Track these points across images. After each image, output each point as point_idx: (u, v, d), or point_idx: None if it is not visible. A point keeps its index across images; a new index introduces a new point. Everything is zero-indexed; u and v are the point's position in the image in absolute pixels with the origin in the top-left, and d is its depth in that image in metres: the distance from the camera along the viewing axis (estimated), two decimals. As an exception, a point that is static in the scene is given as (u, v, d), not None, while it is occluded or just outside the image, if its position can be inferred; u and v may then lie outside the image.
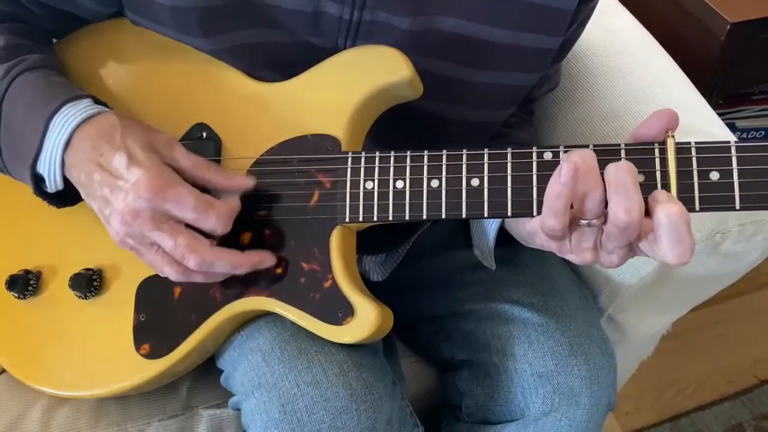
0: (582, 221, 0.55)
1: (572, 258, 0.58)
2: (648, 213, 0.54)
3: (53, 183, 0.65)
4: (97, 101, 0.66)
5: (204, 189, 0.64)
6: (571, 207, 0.55)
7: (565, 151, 0.59)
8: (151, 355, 0.69)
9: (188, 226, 0.61)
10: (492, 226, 0.73)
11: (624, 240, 0.54)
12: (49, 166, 0.64)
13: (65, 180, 0.65)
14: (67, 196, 0.66)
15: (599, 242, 0.56)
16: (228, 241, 0.64)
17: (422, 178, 0.62)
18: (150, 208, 0.60)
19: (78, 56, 0.75)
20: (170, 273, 0.63)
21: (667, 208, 0.52)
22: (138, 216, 0.60)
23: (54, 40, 0.77)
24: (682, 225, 0.51)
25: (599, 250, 0.56)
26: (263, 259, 0.65)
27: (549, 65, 0.76)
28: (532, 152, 0.60)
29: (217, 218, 0.61)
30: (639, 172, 0.56)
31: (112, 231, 0.63)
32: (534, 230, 0.60)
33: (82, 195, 0.64)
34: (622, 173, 0.53)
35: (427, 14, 0.67)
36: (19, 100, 0.65)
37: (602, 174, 0.54)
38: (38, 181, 0.65)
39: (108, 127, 0.63)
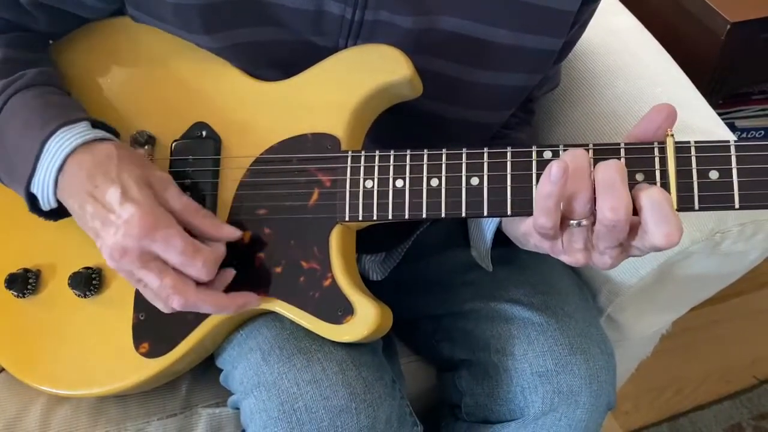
0: (571, 221, 0.55)
1: (565, 259, 0.58)
2: (636, 211, 0.54)
3: (46, 203, 0.65)
4: (95, 124, 0.66)
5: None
6: None
7: (565, 150, 0.59)
8: (151, 353, 0.69)
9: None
10: (489, 227, 0.73)
11: (613, 239, 0.54)
12: (42, 189, 0.64)
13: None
14: (63, 212, 0.66)
15: (590, 243, 0.56)
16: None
17: (422, 177, 0.62)
18: (138, 247, 0.60)
19: (77, 55, 0.75)
20: (159, 306, 0.63)
21: (648, 192, 0.52)
22: (126, 254, 0.60)
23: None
24: (665, 204, 0.52)
25: (591, 251, 0.57)
26: (248, 300, 0.65)
27: (550, 66, 0.76)
28: (531, 151, 0.60)
29: (203, 264, 0.61)
30: (638, 172, 0.56)
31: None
32: (528, 231, 0.60)
33: (76, 220, 0.65)
34: (609, 172, 0.53)
35: (428, 14, 0.67)
36: (15, 119, 0.65)
37: None
38: (33, 198, 0.66)
39: (104, 157, 0.62)
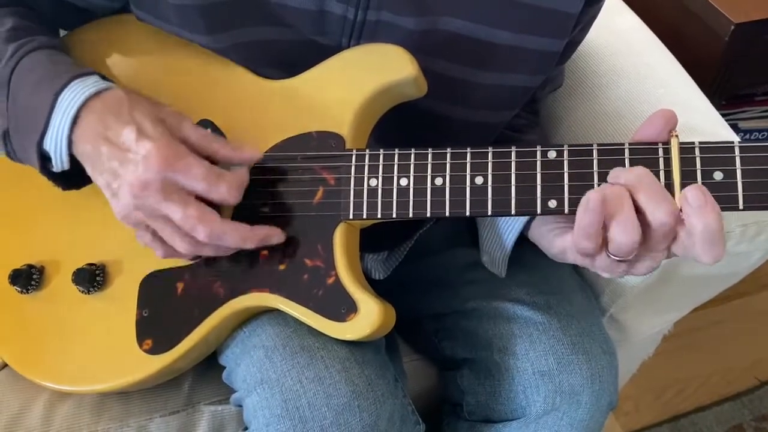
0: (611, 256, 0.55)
1: (606, 275, 0.58)
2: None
3: (59, 161, 0.64)
4: (104, 78, 0.66)
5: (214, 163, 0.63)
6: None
7: (569, 150, 0.59)
8: (154, 350, 0.69)
9: (199, 199, 0.61)
10: (510, 235, 0.73)
11: (666, 242, 0.54)
12: (56, 143, 0.63)
13: (72, 159, 0.64)
14: (73, 177, 0.66)
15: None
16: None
17: (426, 176, 0.62)
18: (160, 179, 0.59)
19: (83, 51, 0.75)
20: (179, 246, 0.62)
21: (704, 216, 0.52)
22: (148, 187, 0.60)
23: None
24: (718, 231, 0.52)
25: (634, 263, 0.56)
26: (271, 233, 0.65)
27: (553, 67, 0.76)
28: (536, 151, 0.60)
29: (228, 188, 0.61)
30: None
31: (119, 206, 0.62)
32: (566, 247, 0.60)
33: (88, 170, 0.64)
34: (647, 178, 0.54)
35: (431, 15, 0.67)
36: (28, 77, 0.65)
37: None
38: (44, 161, 0.65)
39: (115, 102, 0.62)
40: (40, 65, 0.65)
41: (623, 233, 0.53)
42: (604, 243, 0.55)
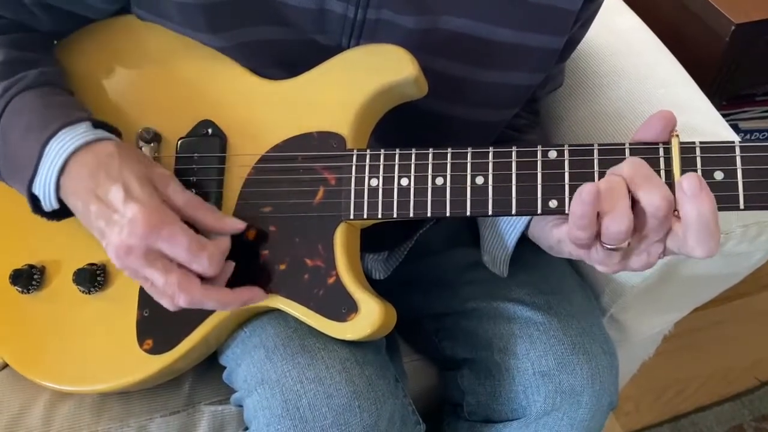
0: (606, 246, 0.55)
1: (601, 268, 0.58)
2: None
3: (48, 204, 0.65)
4: (96, 124, 0.66)
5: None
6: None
7: (570, 150, 0.59)
8: (154, 350, 0.69)
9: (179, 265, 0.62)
10: (511, 234, 0.73)
11: (661, 232, 0.54)
12: (44, 190, 0.64)
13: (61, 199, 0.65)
14: (64, 212, 0.66)
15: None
16: (233, 237, 0.65)
17: (427, 176, 0.62)
18: (144, 246, 0.60)
19: (83, 53, 0.75)
20: (162, 303, 0.63)
21: (698, 203, 0.52)
22: (131, 252, 0.60)
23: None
24: (712, 222, 0.52)
25: (628, 258, 0.57)
26: (253, 296, 0.65)
27: (553, 65, 0.76)
28: (536, 151, 0.60)
29: (209, 260, 0.61)
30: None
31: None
32: (563, 238, 0.60)
33: (80, 220, 0.65)
34: (643, 168, 0.54)
35: (431, 13, 0.67)
36: (16, 121, 0.65)
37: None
38: (35, 200, 0.66)
39: (105, 156, 0.63)
40: (29, 109, 0.65)
41: (614, 220, 0.53)
42: (599, 235, 0.55)
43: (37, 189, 0.64)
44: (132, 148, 0.66)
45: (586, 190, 0.53)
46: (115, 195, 0.61)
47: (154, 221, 0.60)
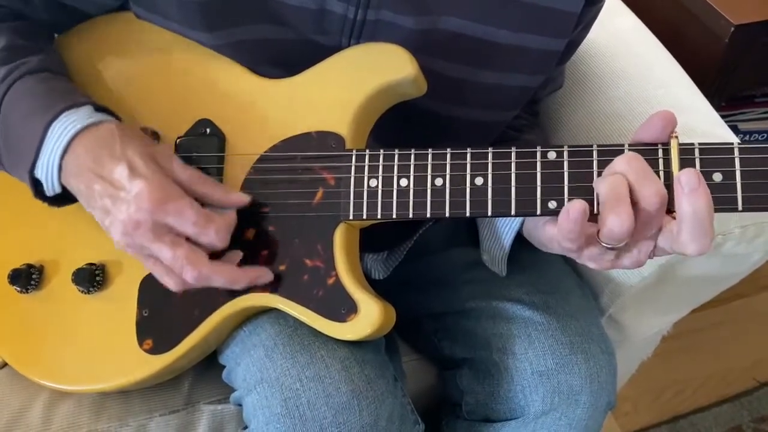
0: (604, 245, 0.56)
1: (592, 265, 0.59)
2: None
3: (51, 188, 0.65)
4: (97, 108, 0.66)
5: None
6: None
7: (569, 151, 0.59)
8: (154, 350, 0.69)
9: (188, 239, 0.62)
10: (507, 234, 0.73)
11: (653, 227, 0.55)
12: (46, 173, 0.64)
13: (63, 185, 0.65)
14: (66, 198, 0.66)
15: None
16: (232, 237, 0.64)
17: (426, 177, 0.62)
18: (151, 220, 0.60)
19: (81, 50, 0.75)
20: (168, 282, 0.63)
21: (695, 198, 0.52)
22: (139, 227, 0.60)
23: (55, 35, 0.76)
24: (706, 219, 0.52)
25: (620, 257, 0.57)
26: (260, 275, 0.65)
27: (553, 67, 0.76)
28: (536, 152, 0.60)
29: (216, 233, 0.62)
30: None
31: (113, 239, 0.63)
32: (554, 236, 0.60)
33: (82, 203, 0.65)
34: (639, 162, 0.54)
35: (431, 14, 0.67)
36: (19, 104, 0.65)
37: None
38: (37, 185, 0.66)
39: (108, 138, 0.63)
40: (31, 92, 0.65)
41: (617, 222, 0.53)
42: (591, 238, 0.56)
43: (40, 172, 0.64)
44: (134, 129, 0.66)
45: (573, 208, 0.54)
46: (120, 173, 0.61)
47: (161, 195, 0.60)
